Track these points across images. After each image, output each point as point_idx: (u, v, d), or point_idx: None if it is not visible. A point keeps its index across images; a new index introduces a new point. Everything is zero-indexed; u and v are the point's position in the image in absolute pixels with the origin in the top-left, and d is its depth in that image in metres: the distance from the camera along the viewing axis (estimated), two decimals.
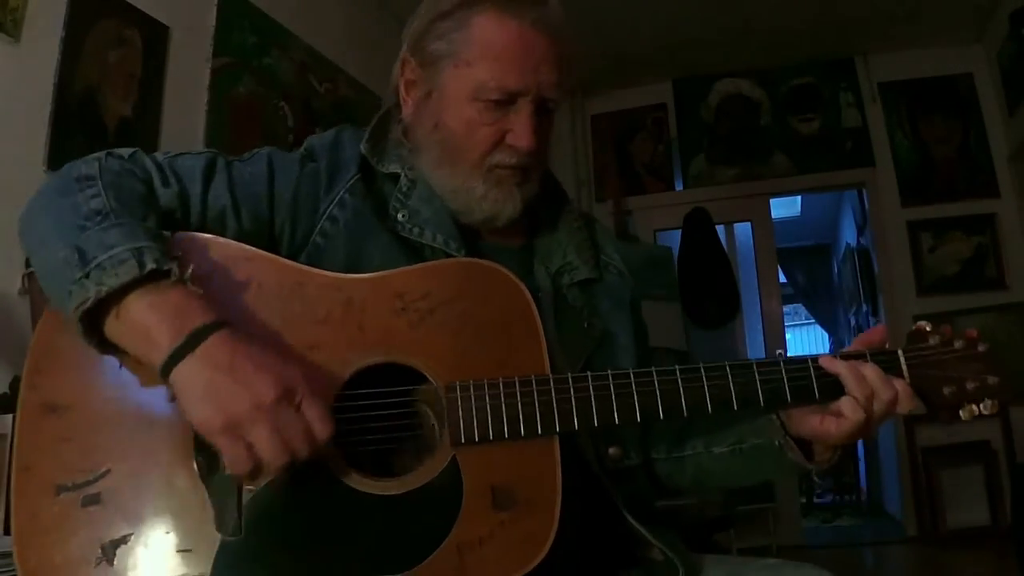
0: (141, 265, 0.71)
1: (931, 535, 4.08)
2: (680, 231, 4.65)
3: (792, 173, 4.60)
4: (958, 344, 0.87)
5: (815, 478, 0.91)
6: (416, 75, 0.97)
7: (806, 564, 0.89)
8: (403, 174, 0.96)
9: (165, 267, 0.72)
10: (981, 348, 0.87)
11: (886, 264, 4.46)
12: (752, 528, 4.09)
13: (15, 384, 1.13)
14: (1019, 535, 3.10)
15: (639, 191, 4.77)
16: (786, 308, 5.91)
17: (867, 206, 4.72)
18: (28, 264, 1.58)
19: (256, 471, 0.71)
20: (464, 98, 0.91)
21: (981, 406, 0.86)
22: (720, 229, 4.68)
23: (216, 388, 0.69)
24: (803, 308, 7.76)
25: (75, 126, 2.00)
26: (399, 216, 0.93)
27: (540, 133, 0.93)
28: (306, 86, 3.01)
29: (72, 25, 2.00)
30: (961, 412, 0.86)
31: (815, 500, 6.04)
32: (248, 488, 0.75)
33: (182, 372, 0.70)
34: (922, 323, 0.89)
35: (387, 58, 1.04)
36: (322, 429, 0.71)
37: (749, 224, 4.78)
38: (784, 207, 5.96)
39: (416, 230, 0.93)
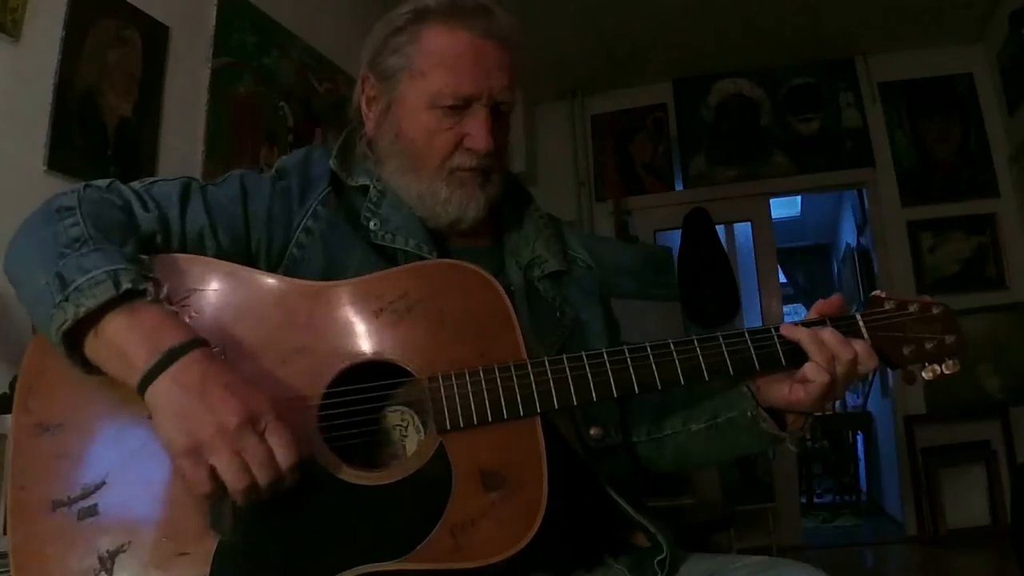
0: (117, 285, 0.73)
1: (931, 535, 4.08)
2: (680, 231, 4.65)
3: (792, 173, 4.60)
4: (913, 308, 0.90)
5: (790, 446, 0.93)
6: (376, 90, 1.02)
7: (786, 560, 0.90)
8: (372, 185, 1.01)
9: (140, 287, 0.75)
10: (936, 310, 0.90)
11: (886, 264, 4.46)
12: (752, 528, 4.09)
13: (15, 383, 1.13)
14: (1019, 535, 3.10)
15: (639, 191, 4.77)
16: (786, 308, 5.90)
17: (867, 206, 4.73)
18: None
19: (217, 493, 0.72)
20: (421, 106, 0.96)
21: (943, 366, 0.89)
22: (720, 229, 4.68)
23: (184, 410, 0.71)
24: (803, 308, 7.75)
25: (75, 126, 2.00)
26: (371, 225, 0.97)
27: (497, 135, 0.97)
28: (306, 86, 3.01)
29: (72, 25, 2.00)
30: (924, 373, 0.89)
31: (815, 500, 6.04)
32: None
33: (156, 391, 0.72)
34: (878, 291, 0.93)
35: None
36: (285, 456, 0.72)
37: (749, 224, 4.79)
38: (784, 207, 5.96)
39: (389, 236, 0.97)
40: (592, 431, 0.96)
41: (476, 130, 0.95)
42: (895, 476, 4.55)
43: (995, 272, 4.23)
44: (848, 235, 6.02)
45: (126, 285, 0.74)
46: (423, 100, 0.96)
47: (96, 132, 2.08)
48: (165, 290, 0.77)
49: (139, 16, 2.24)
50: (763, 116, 4.66)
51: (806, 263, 7.25)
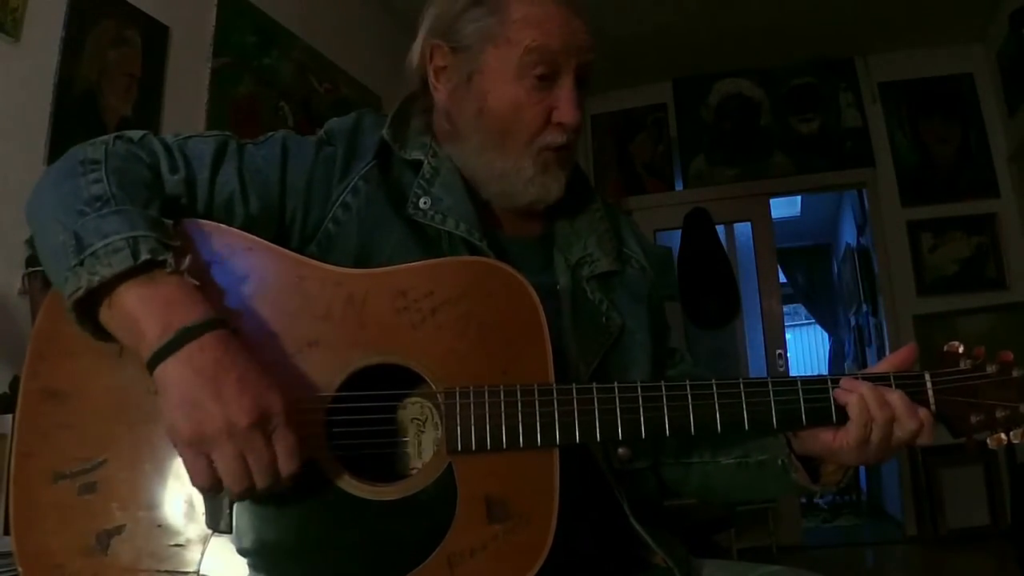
0: (135, 255, 0.70)
1: (931, 535, 4.08)
2: (680, 231, 4.65)
3: (792, 173, 4.60)
4: (991, 369, 0.82)
5: (817, 500, 0.88)
6: (448, 61, 0.95)
7: (805, 571, 0.88)
8: (426, 161, 0.94)
9: (160, 257, 0.71)
10: (1016, 374, 0.82)
11: (886, 264, 4.46)
12: (752, 528, 4.09)
13: (15, 384, 1.13)
14: (1019, 535, 3.11)
15: (639, 191, 4.78)
16: (786, 308, 5.90)
17: (867, 206, 4.73)
18: (28, 264, 1.58)
19: (214, 489, 0.70)
20: (509, 78, 0.90)
21: (1011, 435, 0.81)
22: (720, 229, 4.69)
23: (193, 397, 0.67)
24: (803, 308, 7.75)
25: (75, 126, 2.00)
26: (420, 203, 0.91)
27: (582, 109, 0.93)
28: (306, 86, 3.01)
29: (72, 25, 2.00)
30: (988, 440, 0.82)
31: (815, 500, 6.04)
32: None
33: (166, 370, 0.68)
34: (955, 343, 0.84)
35: (387, 58, 1.04)
36: (287, 465, 0.70)
37: (749, 224, 4.78)
38: (784, 207, 5.96)
39: (439, 217, 0.91)
40: (620, 451, 0.91)
41: (564, 102, 0.91)
42: (895, 476, 4.55)
43: (995, 272, 4.23)
44: (848, 235, 6.02)
45: (144, 255, 0.70)
46: (511, 69, 0.90)
47: (96, 132, 2.03)
48: (187, 261, 0.73)
49: (139, 16, 2.24)
50: (763, 116, 4.66)
51: (806, 263, 7.25)
